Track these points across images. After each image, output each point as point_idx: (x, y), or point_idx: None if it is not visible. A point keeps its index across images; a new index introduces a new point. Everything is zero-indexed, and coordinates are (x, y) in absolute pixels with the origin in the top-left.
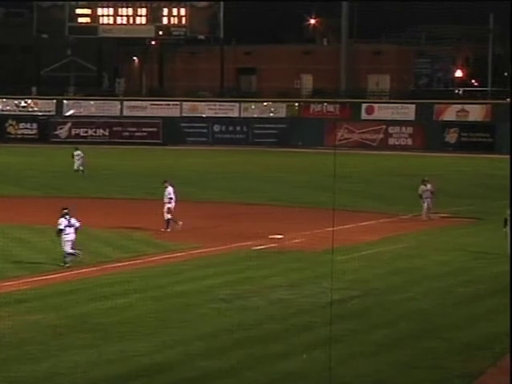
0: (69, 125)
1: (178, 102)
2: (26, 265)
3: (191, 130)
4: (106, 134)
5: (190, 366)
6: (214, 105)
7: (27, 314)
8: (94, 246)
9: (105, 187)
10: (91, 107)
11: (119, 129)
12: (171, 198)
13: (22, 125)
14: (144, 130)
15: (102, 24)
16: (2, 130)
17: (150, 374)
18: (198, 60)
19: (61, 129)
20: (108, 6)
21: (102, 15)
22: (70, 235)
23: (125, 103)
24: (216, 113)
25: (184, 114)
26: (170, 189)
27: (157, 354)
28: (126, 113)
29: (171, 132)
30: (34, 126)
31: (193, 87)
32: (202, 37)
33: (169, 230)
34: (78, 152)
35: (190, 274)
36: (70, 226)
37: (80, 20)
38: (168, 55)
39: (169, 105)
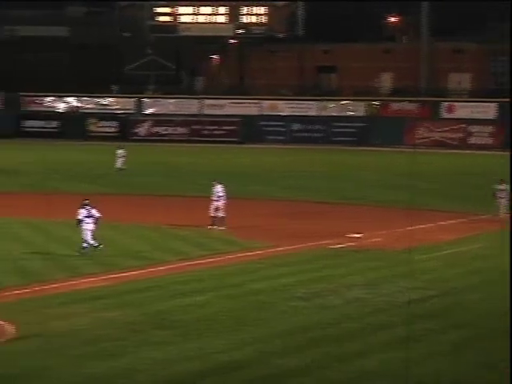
0: (148, 123)
1: (256, 101)
2: (106, 262)
3: (270, 129)
4: (185, 132)
5: (267, 363)
6: (293, 103)
7: (104, 310)
8: (171, 244)
9: (185, 185)
10: (170, 105)
11: (198, 127)
12: (220, 196)
13: (102, 123)
14: (223, 128)
15: (182, 23)
16: (83, 128)
17: (228, 371)
18: (277, 58)
19: (140, 127)
20: (188, 5)
21: (182, 14)
22: (89, 225)
23: (204, 101)
24: (295, 111)
25: (263, 113)
26: (218, 187)
27: (234, 352)
28: (204, 111)
29: (250, 130)
30: (115, 124)
31: (272, 86)
32: (280, 35)
33: (215, 227)
34: (121, 151)
35: (267, 273)
36: (89, 216)
37: (160, 19)
38: (247, 54)
39: (248, 103)
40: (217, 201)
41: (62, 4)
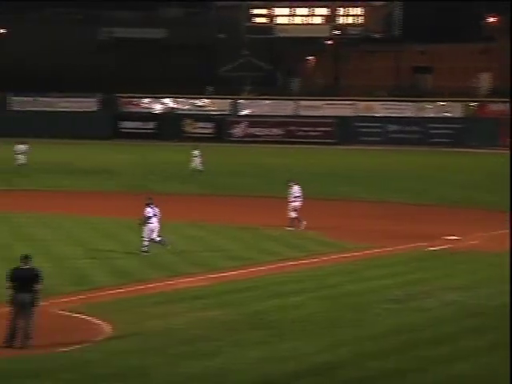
0: (244, 124)
1: (352, 102)
2: (201, 262)
3: (365, 130)
4: (281, 133)
5: (361, 366)
6: (389, 104)
7: (203, 310)
8: (265, 245)
9: (276, 186)
10: (266, 106)
11: (293, 128)
12: (297, 197)
13: (198, 124)
14: (318, 129)
15: (278, 24)
16: (179, 129)
17: (321, 372)
18: (373, 59)
19: (236, 128)
20: (284, 6)
21: (279, 15)
22: (153, 224)
23: (299, 102)
24: (391, 112)
25: (358, 114)
26: (295, 188)
27: (328, 353)
28: (300, 112)
29: (345, 131)
30: (210, 125)
31: (367, 86)
32: (377, 36)
33: (293, 228)
34: (196, 152)
35: (363, 274)
36: (154, 214)
37: (256, 20)
38: (342, 54)
39: (343, 104)
40: (294, 201)
41: (158, 5)
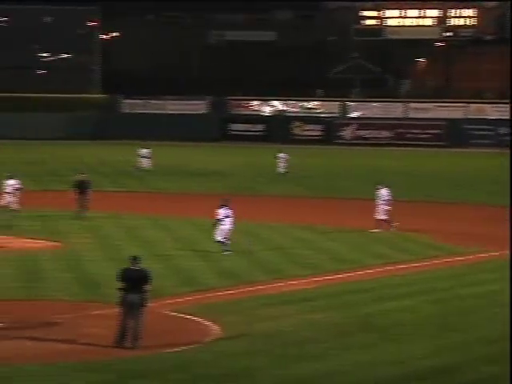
0: (353, 126)
1: (463, 104)
2: (308, 264)
3: (476, 132)
4: (390, 135)
5: (471, 370)
6: (501, 106)
7: (311, 312)
8: (375, 247)
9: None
10: (375, 109)
11: (403, 130)
12: (385, 200)
13: (307, 126)
14: (428, 131)
15: (388, 26)
16: (288, 131)
17: (430, 376)
18: (484, 61)
19: (345, 130)
20: (394, 8)
21: (389, 17)
22: (226, 225)
23: (409, 105)
24: (502, 115)
25: (468, 116)
26: (383, 191)
27: (437, 357)
28: (409, 114)
29: (455, 134)
30: (319, 127)
31: (478, 88)
32: (488, 37)
33: (379, 230)
34: (282, 154)
35: (473, 278)
36: (227, 216)
37: (366, 22)
38: (453, 56)
39: (454, 106)
40: (382, 204)
41: (269, 8)
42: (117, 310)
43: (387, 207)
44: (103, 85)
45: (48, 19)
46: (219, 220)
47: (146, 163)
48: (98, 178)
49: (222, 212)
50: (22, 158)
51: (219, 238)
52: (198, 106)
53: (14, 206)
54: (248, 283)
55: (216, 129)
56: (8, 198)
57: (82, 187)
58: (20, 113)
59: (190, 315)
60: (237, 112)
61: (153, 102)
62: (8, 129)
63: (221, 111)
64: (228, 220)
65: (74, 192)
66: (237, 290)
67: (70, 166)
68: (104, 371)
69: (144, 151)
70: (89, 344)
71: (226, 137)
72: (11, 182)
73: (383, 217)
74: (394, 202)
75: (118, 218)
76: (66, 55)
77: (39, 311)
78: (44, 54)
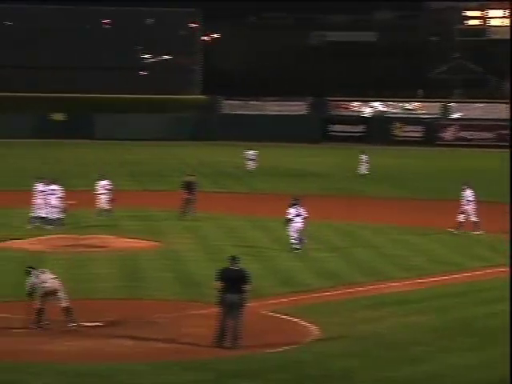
0: (454, 127)
1: None
2: (408, 266)
3: None
4: (492, 136)
5: None
6: None
7: (410, 315)
8: (475, 250)
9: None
10: (477, 109)
11: (505, 132)
12: (469, 201)
13: (407, 127)
14: None
15: (491, 26)
16: (388, 132)
17: None
18: None
19: (446, 131)
20: (498, 8)
21: (492, 17)
22: (297, 224)
23: None
24: None
25: None
26: (468, 192)
27: None
28: None
29: None
30: (420, 128)
31: None
32: None
33: (457, 231)
34: (364, 156)
35: None
36: (298, 215)
37: (469, 22)
38: None
39: None
40: (466, 205)
41: (370, 9)
42: (216, 309)
43: (469, 208)
44: (204, 86)
45: (150, 21)
46: (290, 219)
47: (251, 165)
48: (199, 179)
49: (292, 211)
50: (125, 158)
51: (295, 237)
52: (298, 107)
53: (106, 206)
54: (347, 284)
55: (316, 130)
56: (101, 199)
57: (190, 188)
58: (123, 114)
59: (289, 316)
60: (337, 113)
61: (253, 102)
62: (114, 129)
63: (321, 112)
64: (299, 218)
65: (182, 192)
66: (336, 291)
67: (171, 167)
68: (203, 370)
69: (250, 153)
70: (189, 343)
71: (326, 138)
72: (103, 182)
73: (466, 218)
74: (477, 203)
75: (218, 218)
76: (167, 56)
77: (140, 310)
78: (146, 56)
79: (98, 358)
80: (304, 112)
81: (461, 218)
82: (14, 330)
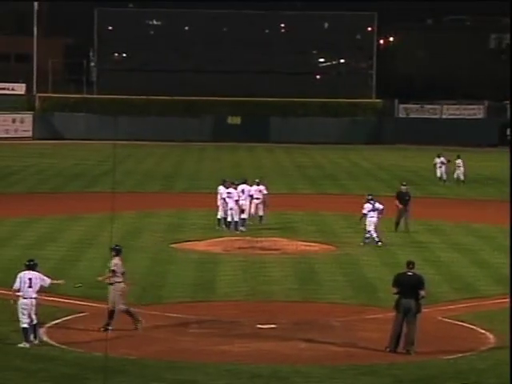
0: None
1: None
2: None
3: None
4: None
5: None
6: None
7: None
8: None
9: None
10: None
11: None
12: None
13: None
14: None
15: None
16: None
17: None
18: None
19: None
20: None
21: None
22: (373, 218)
23: None
24: None
25: None
26: None
27: None
28: None
29: None
30: None
31: None
32: None
33: None
34: (439, 160)
35: None
36: (373, 210)
37: None
38: None
39: None
40: None
41: None
42: (392, 314)
43: None
44: (378, 89)
45: (326, 25)
46: (365, 214)
47: (441, 172)
48: (375, 183)
49: (368, 206)
50: (299, 161)
51: (372, 231)
52: (475, 111)
53: (261, 212)
54: None
55: (494, 134)
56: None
57: (403, 198)
58: (298, 117)
59: (465, 322)
60: None
61: (429, 106)
62: (289, 133)
63: (499, 116)
64: (374, 213)
65: (396, 203)
66: None
67: (346, 170)
68: (379, 376)
69: (439, 160)
70: (363, 348)
71: (505, 142)
72: (258, 187)
73: None
74: None
75: (389, 222)
76: (342, 60)
77: (315, 313)
78: (321, 60)
79: (273, 360)
80: (481, 116)
81: None
82: (190, 331)
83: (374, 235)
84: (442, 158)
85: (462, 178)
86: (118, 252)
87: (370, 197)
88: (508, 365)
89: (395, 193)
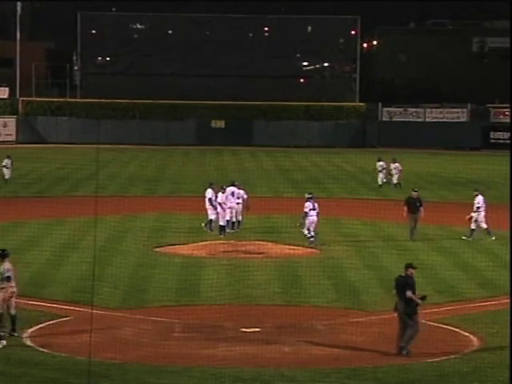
0: None
1: None
2: None
3: None
4: None
5: None
6: None
7: None
8: None
9: None
10: None
11: None
12: (478, 208)
13: None
14: None
15: None
16: None
17: None
18: None
19: None
20: None
21: None
22: (313, 217)
23: None
24: None
25: None
26: (479, 197)
27: None
28: None
29: None
30: None
31: None
32: None
33: (470, 239)
34: (380, 163)
35: None
36: (313, 209)
37: None
38: None
39: None
40: (475, 212)
41: None
42: (375, 317)
43: (476, 214)
44: (362, 93)
45: (310, 28)
46: (306, 213)
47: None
48: (356, 186)
49: (308, 205)
50: (283, 165)
51: (311, 232)
52: (458, 114)
53: (239, 217)
54: (507, 294)
55: (477, 137)
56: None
57: (413, 205)
58: (282, 121)
59: (449, 325)
60: (498, 120)
61: (412, 110)
62: (273, 136)
63: (482, 119)
64: (314, 212)
65: (405, 209)
66: (497, 301)
67: (328, 174)
68: (363, 378)
69: (380, 164)
70: (347, 351)
71: (488, 145)
72: (238, 191)
73: (476, 224)
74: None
75: (373, 225)
76: (326, 64)
77: (298, 317)
78: (305, 63)
79: (257, 364)
80: (465, 119)
81: (472, 224)
82: (174, 335)
83: (309, 234)
84: (382, 162)
85: (394, 181)
86: (4, 256)
87: (310, 195)
88: (491, 367)
89: (404, 199)
